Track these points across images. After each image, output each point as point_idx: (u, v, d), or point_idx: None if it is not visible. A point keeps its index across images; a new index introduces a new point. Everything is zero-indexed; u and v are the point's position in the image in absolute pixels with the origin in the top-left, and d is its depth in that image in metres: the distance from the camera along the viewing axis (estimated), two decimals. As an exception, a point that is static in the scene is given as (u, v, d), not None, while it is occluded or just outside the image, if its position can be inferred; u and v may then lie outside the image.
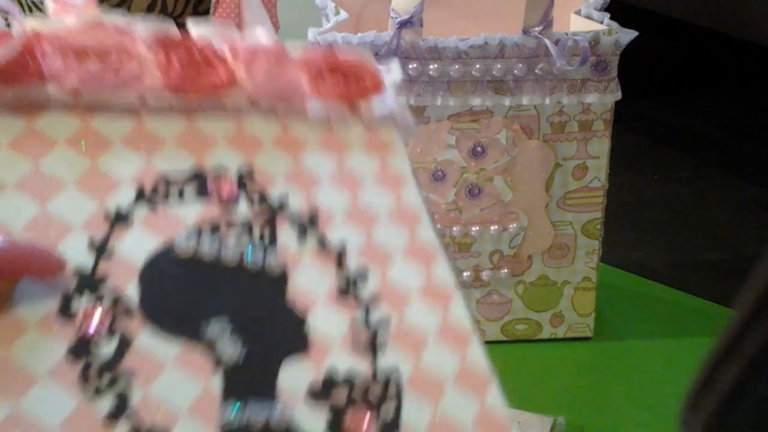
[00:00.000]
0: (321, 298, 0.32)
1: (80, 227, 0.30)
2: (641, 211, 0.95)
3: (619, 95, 0.66)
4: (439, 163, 0.67)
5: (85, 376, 0.27)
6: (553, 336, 0.74)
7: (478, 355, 0.34)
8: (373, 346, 0.32)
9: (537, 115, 0.66)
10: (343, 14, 0.68)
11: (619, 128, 0.69)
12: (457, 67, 0.63)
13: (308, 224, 0.33)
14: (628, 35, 0.64)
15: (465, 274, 0.71)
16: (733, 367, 0.22)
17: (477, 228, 0.69)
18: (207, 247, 0.31)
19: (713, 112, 1.12)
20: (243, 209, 0.32)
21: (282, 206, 0.33)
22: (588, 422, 0.66)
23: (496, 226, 0.69)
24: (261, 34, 0.35)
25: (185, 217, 0.31)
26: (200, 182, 0.32)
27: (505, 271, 0.71)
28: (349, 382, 0.31)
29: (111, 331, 0.28)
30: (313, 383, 0.30)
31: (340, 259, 0.33)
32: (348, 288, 0.33)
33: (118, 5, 0.67)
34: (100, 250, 0.30)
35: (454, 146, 0.67)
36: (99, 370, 0.27)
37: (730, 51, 1.21)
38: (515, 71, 0.64)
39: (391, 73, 0.38)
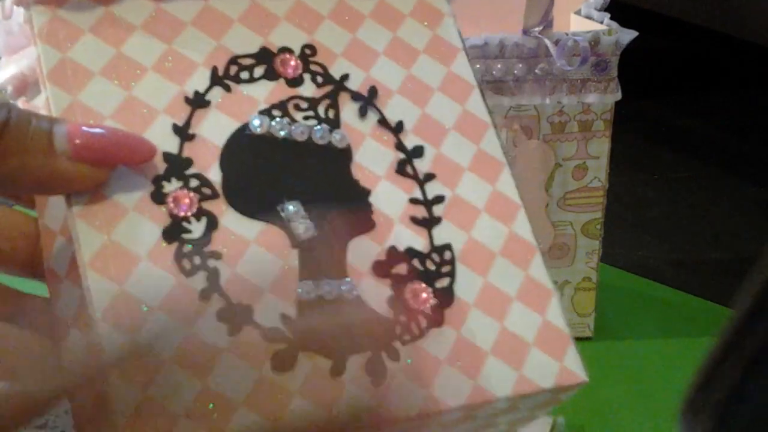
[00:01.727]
0: (381, 174, 0.34)
1: (163, 111, 0.31)
2: (641, 211, 0.94)
3: (619, 95, 0.66)
4: (439, 163, 0.67)
5: (179, 257, 0.29)
6: (553, 336, 0.74)
7: (523, 227, 0.35)
8: (428, 222, 0.33)
9: (537, 115, 0.66)
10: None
11: (619, 128, 0.69)
12: (457, 67, 0.63)
13: (368, 101, 0.35)
14: (628, 35, 0.64)
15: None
16: (733, 367, 0.22)
17: (477, 228, 0.69)
18: (278, 126, 0.33)
19: (713, 112, 1.12)
20: (307, 87, 0.34)
21: (343, 83, 0.35)
22: (588, 422, 0.66)
23: (496, 226, 0.69)
24: None
25: (257, 98, 0.33)
26: (268, 63, 0.34)
27: (505, 271, 0.71)
28: (408, 256, 0.32)
29: (199, 214, 0.30)
30: (376, 259, 0.32)
31: (398, 136, 0.35)
32: (405, 165, 0.34)
33: None
34: (184, 133, 0.31)
35: (454, 146, 0.67)
36: (191, 250, 0.29)
37: (730, 51, 1.21)
38: (515, 71, 0.64)
39: None
